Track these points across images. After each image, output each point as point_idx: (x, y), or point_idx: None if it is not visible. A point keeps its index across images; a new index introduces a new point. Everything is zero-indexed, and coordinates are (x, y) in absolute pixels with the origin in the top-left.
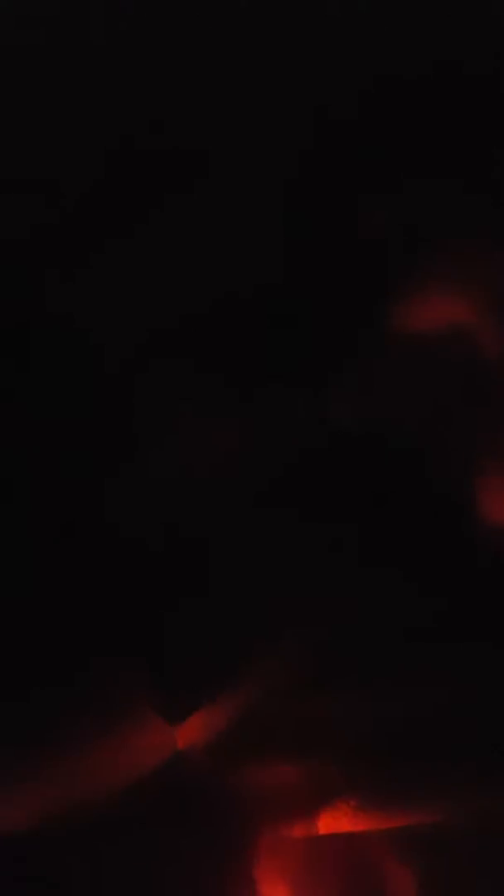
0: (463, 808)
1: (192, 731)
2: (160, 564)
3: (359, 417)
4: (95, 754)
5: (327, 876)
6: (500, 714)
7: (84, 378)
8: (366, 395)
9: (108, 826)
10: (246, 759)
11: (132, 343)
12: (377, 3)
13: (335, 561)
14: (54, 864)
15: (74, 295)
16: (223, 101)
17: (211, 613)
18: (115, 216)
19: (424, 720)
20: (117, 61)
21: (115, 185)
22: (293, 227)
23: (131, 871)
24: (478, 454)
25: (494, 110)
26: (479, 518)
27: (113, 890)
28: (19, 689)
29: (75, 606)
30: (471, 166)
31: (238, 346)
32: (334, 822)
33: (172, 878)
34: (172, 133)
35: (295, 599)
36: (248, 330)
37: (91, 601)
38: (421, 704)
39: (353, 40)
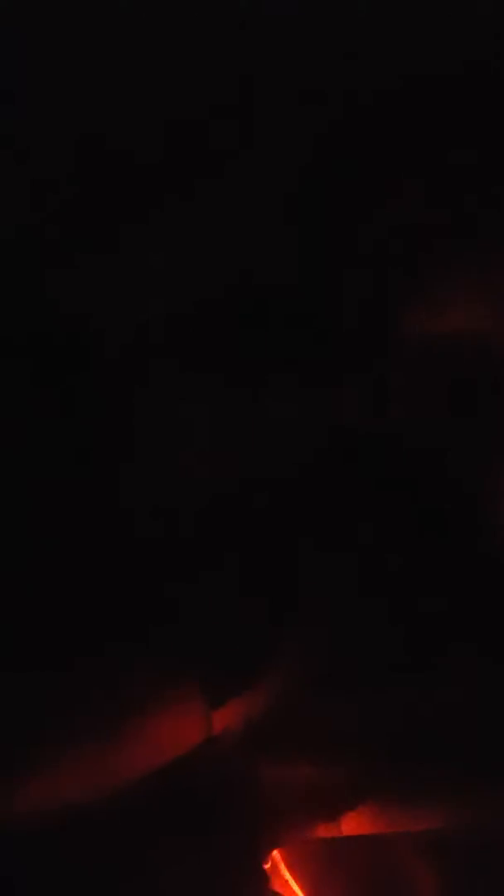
0: (481, 809)
1: (227, 718)
2: (163, 554)
3: (371, 418)
4: (111, 745)
5: (343, 877)
6: None
7: (86, 377)
8: (379, 396)
9: (121, 818)
10: (269, 754)
11: (138, 341)
12: (377, 4)
13: (344, 561)
14: (61, 859)
15: (78, 294)
16: (226, 101)
17: (217, 612)
18: (119, 216)
19: (437, 721)
20: (117, 61)
21: (121, 184)
22: (304, 224)
23: (141, 865)
24: (489, 457)
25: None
26: (489, 520)
27: (123, 884)
28: (28, 678)
29: (81, 600)
30: (476, 170)
31: (249, 344)
32: (355, 823)
33: (183, 873)
34: (175, 133)
35: (301, 600)
36: (259, 329)
37: (97, 595)
38: (433, 705)
39: (354, 41)
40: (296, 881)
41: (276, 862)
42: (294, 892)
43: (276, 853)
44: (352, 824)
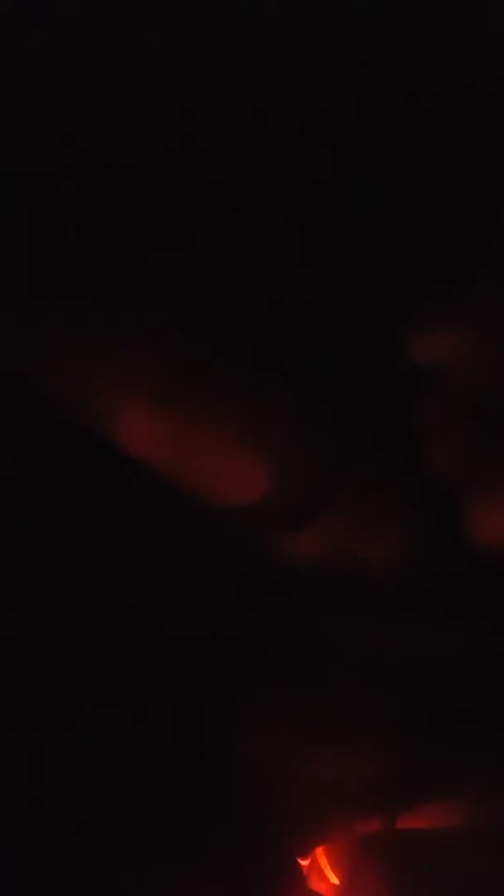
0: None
1: None
2: None
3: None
4: None
5: (394, 875)
6: None
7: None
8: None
9: (162, 797)
10: (320, 746)
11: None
12: (377, 4)
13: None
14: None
15: (91, 313)
16: (229, 109)
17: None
18: (126, 238)
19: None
20: (117, 65)
21: (125, 203)
22: (308, 247)
23: (164, 859)
24: (481, 478)
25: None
26: (477, 537)
27: (164, 862)
28: None
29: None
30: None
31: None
32: (412, 818)
33: (218, 859)
34: (180, 148)
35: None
36: (264, 351)
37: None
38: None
39: (357, 44)
40: (340, 879)
41: (318, 859)
42: (335, 890)
43: (319, 850)
44: (407, 819)
